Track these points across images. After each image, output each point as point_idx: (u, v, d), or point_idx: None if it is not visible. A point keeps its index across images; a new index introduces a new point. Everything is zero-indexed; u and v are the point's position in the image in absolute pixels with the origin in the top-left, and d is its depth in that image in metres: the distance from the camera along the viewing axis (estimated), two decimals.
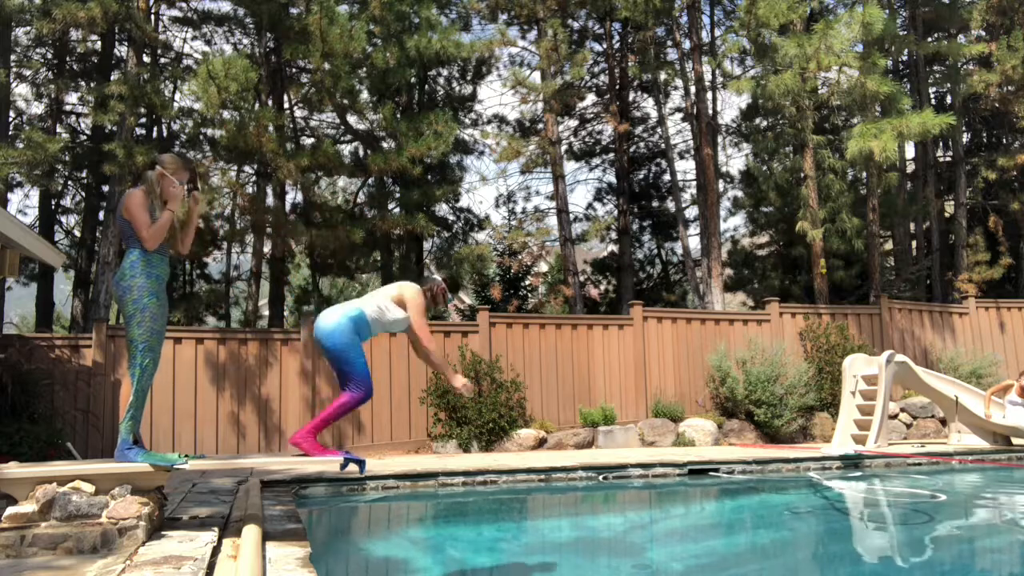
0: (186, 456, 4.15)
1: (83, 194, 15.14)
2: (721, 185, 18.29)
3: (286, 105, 14.82)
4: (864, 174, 15.61)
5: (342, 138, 15.91)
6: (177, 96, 15.04)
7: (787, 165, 15.81)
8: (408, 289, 4.62)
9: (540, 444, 10.64)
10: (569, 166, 20.17)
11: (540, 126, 16.89)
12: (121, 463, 4.02)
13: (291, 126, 14.93)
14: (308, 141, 15.99)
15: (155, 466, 4.02)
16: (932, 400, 11.26)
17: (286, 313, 16.66)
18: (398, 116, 13.32)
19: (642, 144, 20.43)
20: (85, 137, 15.03)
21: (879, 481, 8.07)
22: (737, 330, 12.32)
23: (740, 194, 18.34)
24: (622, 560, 4.75)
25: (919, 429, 12.01)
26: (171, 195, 4.25)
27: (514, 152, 14.88)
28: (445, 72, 16.48)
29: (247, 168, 14.38)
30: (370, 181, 15.11)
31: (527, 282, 18.26)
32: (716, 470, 8.23)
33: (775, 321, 12.48)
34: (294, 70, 14.83)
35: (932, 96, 17.40)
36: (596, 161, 20.61)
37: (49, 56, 14.49)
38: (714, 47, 15.89)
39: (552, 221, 17.66)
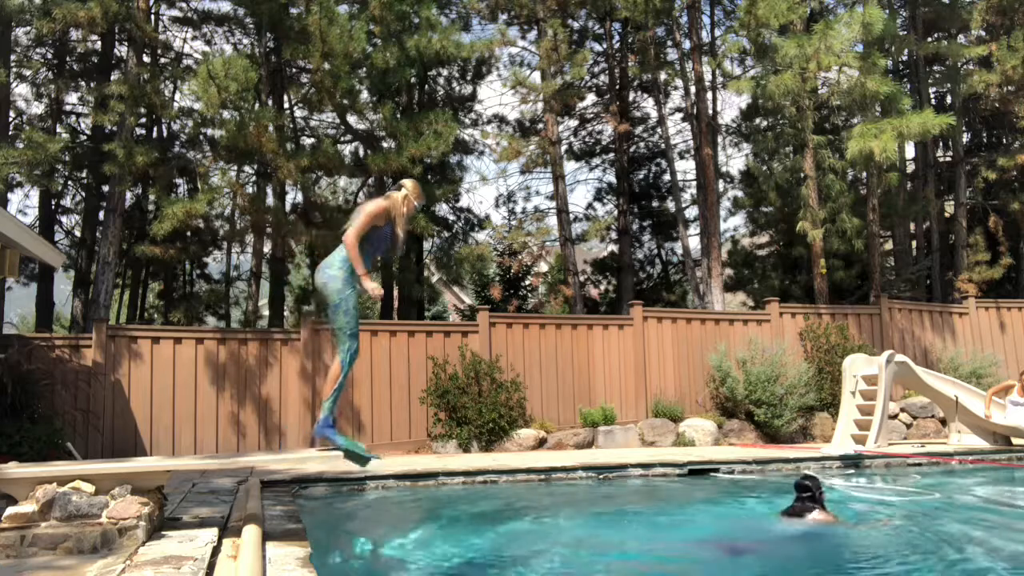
0: (374, 455, 4.76)
1: (83, 194, 15.13)
2: (721, 185, 18.29)
3: (286, 105, 14.82)
4: (864, 174, 15.61)
5: (342, 138, 15.91)
6: (177, 96, 15.05)
7: (787, 165, 15.80)
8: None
9: (540, 444, 10.64)
10: (569, 166, 20.19)
11: (540, 126, 16.89)
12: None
13: (291, 126, 14.92)
14: (308, 141, 15.99)
15: (349, 455, 4.54)
16: (932, 400, 11.26)
17: (286, 313, 16.65)
18: (398, 116, 13.32)
19: (642, 144, 20.43)
20: (85, 137, 15.03)
21: (879, 481, 8.07)
22: (737, 330, 12.32)
23: (740, 194, 18.34)
24: (599, 556, 4.75)
25: (919, 429, 12.01)
26: (405, 214, 4.79)
27: (514, 152, 14.88)
28: (445, 72, 16.48)
29: (247, 168, 14.37)
30: (370, 181, 15.12)
31: (527, 282, 18.27)
32: (716, 470, 8.23)
33: (775, 321, 12.48)
34: (294, 70, 14.83)
35: (932, 96, 17.39)
36: (596, 161, 20.62)
37: (49, 56, 14.48)
38: (714, 47, 15.89)
39: (552, 221, 17.67)
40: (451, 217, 17.47)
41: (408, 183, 4.84)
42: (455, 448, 10.38)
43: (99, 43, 14.28)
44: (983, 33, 16.17)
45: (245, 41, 15.68)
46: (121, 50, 14.24)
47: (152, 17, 14.01)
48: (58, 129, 14.67)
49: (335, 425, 4.58)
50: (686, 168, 30.10)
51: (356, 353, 4.58)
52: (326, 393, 4.61)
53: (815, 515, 5.34)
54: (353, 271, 4.55)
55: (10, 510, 3.75)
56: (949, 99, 17.35)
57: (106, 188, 13.13)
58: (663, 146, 17.82)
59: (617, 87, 18.36)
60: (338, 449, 4.59)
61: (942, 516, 6.00)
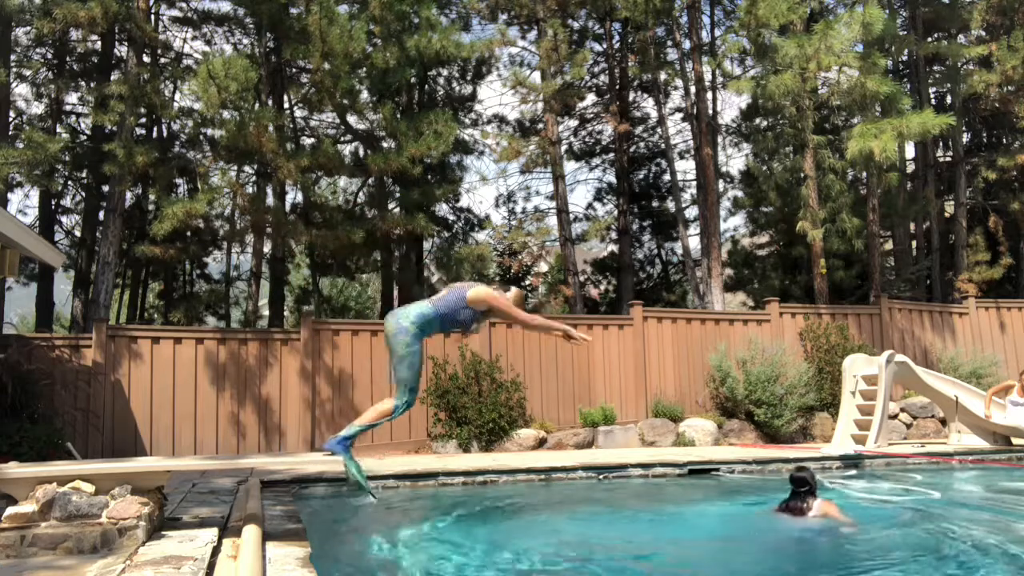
0: (374, 496, 5.14)
1: (83, 194, 15.13)
2: (721, 185, 18.29)
3: (286, 105, 14.82)
4: (864, 174, 15.61)
5: (342, 138, 15.91)
6: (177, 96, 15.05)
7: (787, 165, 15.80)
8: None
9: (540, 444, 10.64)
10: (569, 166, 20.19)
11: (540, 126, 16.89)
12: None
13: (291, 126, 14.92)
14: (308, 141, 15.99)
15: (349, 475, 4.67)
16: (932, 400, 11.26)
17: (286, 313, 16.66)
18: (398, 116, 13.31)
19: (642, 144, 20.43)
20: (85, 137, 15.03)
21: (879, 480, 8.07)
22: (737, 330, 12.32)
23: (740, 194, 18.34)
24: (598, 556, 4.75)
25: (919, 429, 12.01)
26: (495, 310, 5.00)
27: (514, 152, 14.88)
28: (445, 72, 16.47)
29: (247, 168, 14.38)
30: (370, 181, 15.11)
31: (527, 282, 18.27)
32: (716, 470, 8.23)
33: (775, 321, 12.47)
34: (294, 70, 14.83)
35: (932, 96, 17.39)
36: (596, 161, 20.62)
37: (49, 56, 14.48)
38: (714, 47, 15.89)
39: (552, 221, 17.68)
40: (451, 217, 17.47)
41: (515, 292, 5.17)
42: (455, 448, 10.38)
43: (99, 43, 14.28)
44: (983, 33, 16.17)
45: (245, 41, 15.70)
46: (121, 50, 14.24)
47: (152, 17, 14.01)
48: (58, 129, 14.67)
49: (350, 449, 4.70)
50: (686, 168, 30.11)
51: (411, 404, 4.81)
52: (364, 420, 4.77)
53: (817, 509, 5.26)
54: (422, 330, 4.77)
55: (10, 510, 3.75)
56: (949, 99, 17.35)
57: (106, 188, 13.14)
58: (663, 146, 17.82)
59: (617, 87, 18.36)
60: (345, 471, 4.72)
61: (942, 516, 6.00)
